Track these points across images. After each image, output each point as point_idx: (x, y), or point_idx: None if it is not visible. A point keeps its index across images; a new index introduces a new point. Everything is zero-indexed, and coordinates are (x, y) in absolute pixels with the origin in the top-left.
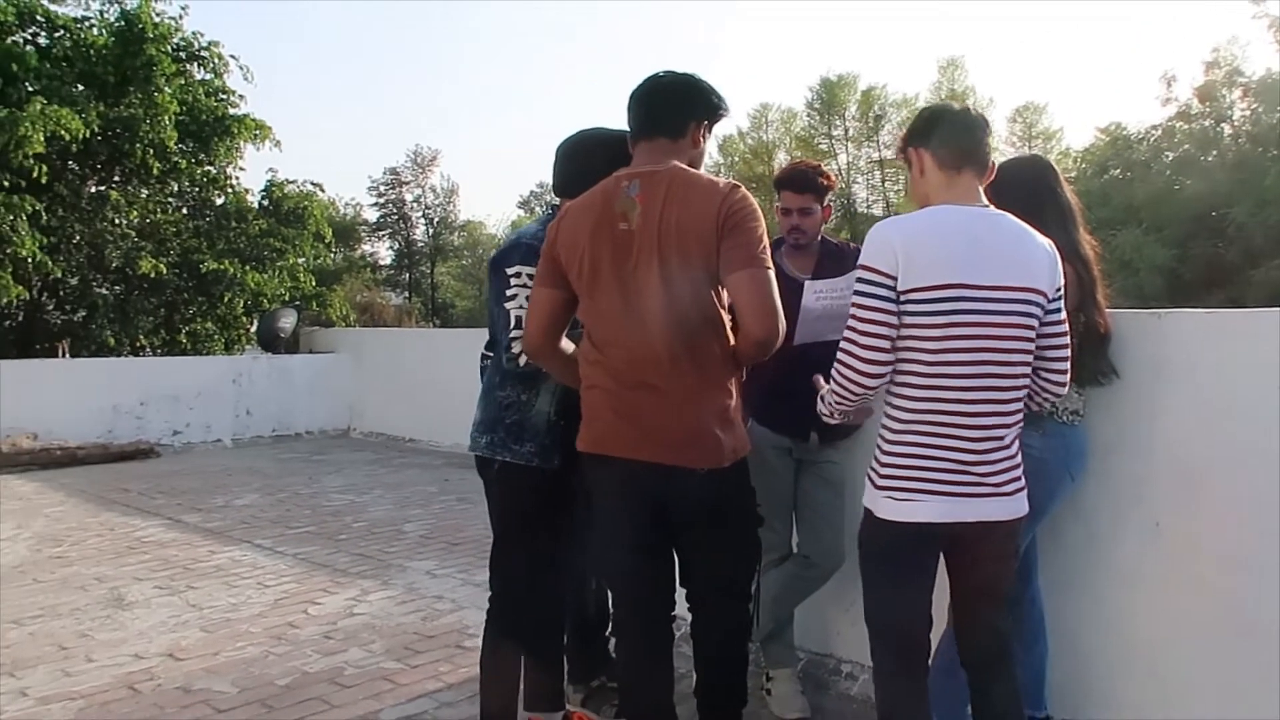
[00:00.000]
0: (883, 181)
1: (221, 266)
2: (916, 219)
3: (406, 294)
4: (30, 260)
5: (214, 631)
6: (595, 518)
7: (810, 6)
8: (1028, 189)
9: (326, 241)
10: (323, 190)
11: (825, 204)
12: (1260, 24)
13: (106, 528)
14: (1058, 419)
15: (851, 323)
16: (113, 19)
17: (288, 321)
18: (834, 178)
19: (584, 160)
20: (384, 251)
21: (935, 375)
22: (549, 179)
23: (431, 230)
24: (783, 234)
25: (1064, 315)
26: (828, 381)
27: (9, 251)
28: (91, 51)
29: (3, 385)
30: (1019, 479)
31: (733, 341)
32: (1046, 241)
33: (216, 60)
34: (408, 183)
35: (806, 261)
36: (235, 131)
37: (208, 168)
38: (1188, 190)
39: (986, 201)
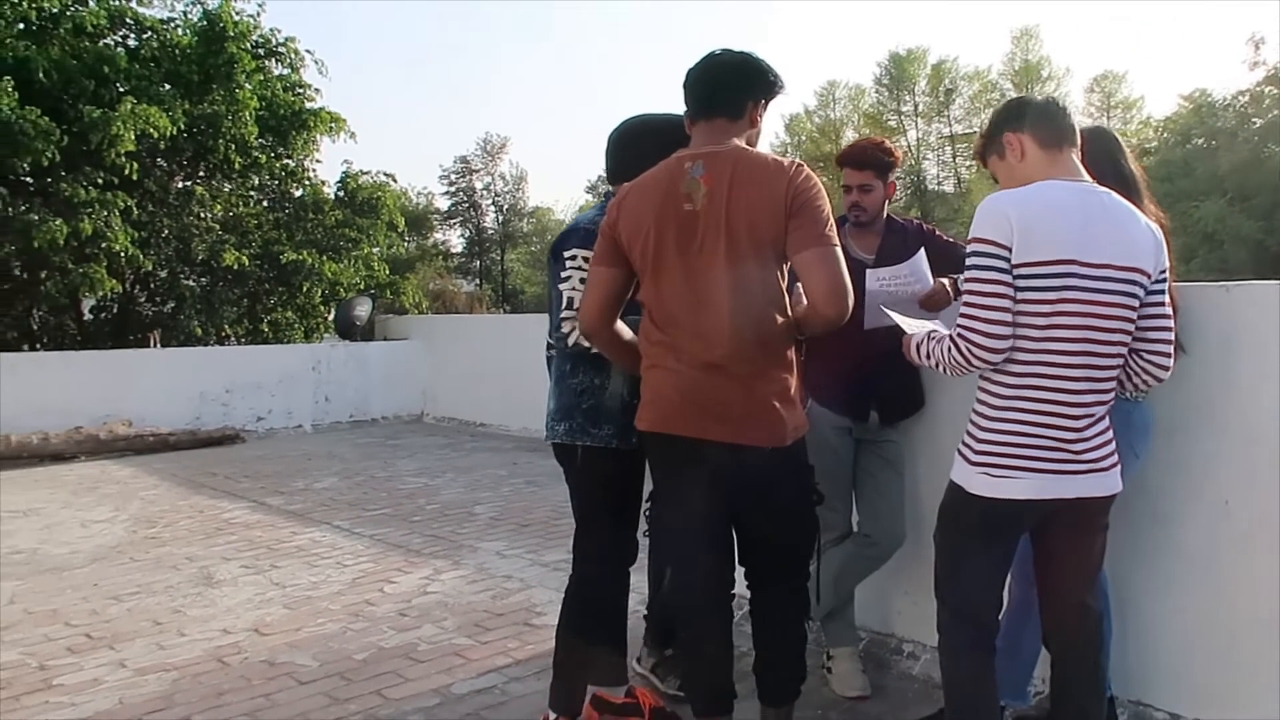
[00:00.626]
0: (954, 157)
1: (300, 257)
2: (1031, 193)
3: (478, 281)
4: (123, 254)
5: (296, 608)
6: (656, 497)
7: None
8: (1088, 160)
9: (399, 231)
10: (395, 181)
11: (889, 181)
12: None
13: (196, 510)
14: (1121, 395)
15: (971, 296)
16: (195, 19)
17: (363, 310)
18: (899, 153)
19: (637, 146)
20: (455, 239)
21: (1041, 352)
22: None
23: (501, 217)
24: (845, 211)
25: (1167, 297)
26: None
27: (104, 246)
28: (177, 51)
29: (100, 375)
30: (1114, 454)
31: (793, 319)
32: (1153, 223)
33: (293, 56)
34: (478, 170)
35: (870, 240)
36: (311, 125)
37: (286, 161)
38: (1277, 158)
39: (1089, 178)
